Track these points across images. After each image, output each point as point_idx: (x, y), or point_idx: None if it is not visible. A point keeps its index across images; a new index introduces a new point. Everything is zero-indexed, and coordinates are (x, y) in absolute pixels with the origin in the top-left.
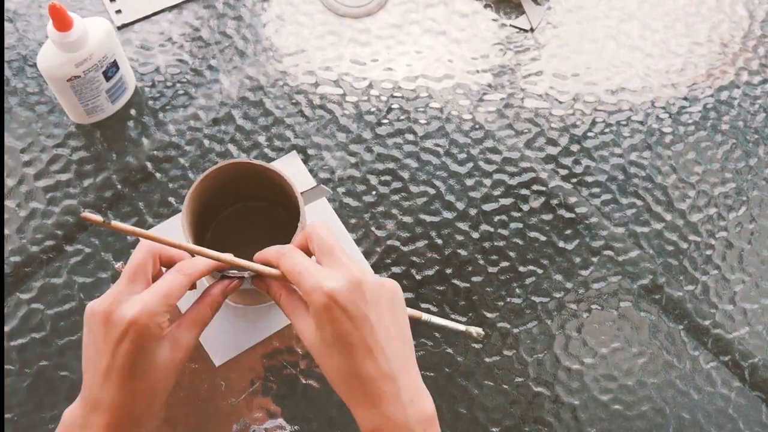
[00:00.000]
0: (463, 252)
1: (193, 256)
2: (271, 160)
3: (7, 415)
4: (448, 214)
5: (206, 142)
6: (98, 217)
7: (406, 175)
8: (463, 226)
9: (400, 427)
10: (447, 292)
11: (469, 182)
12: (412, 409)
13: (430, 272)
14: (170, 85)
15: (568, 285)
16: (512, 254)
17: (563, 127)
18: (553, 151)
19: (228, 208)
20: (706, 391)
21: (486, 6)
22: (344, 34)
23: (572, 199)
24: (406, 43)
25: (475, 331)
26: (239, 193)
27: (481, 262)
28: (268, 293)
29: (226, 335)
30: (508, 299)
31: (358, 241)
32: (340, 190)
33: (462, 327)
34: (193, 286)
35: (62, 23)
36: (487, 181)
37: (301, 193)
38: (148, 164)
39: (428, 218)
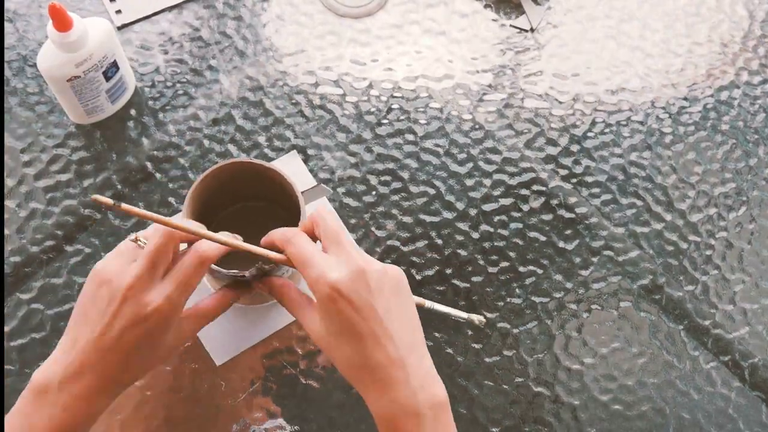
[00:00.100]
0: (463, 252)
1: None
2: (271, 160)
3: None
4: (448, 214)
5: (206, 142)
6: (108, 200)
7: (406, 175)
8: (463, 226)
9: (410, 412)
10: (447, 292)
11: (469, 182)
12: (423, 395)
13: (430, 272)
14: (170, 86)
15: (568, 285)
16: (512, 254)
17: (563, 127)
18: (553, 151)
19: (228, 207)
20: (706, 391)
21: (486, 6)
22: (344, 34)
23: (572, 199)
24: (406, 43)
25: (477, 318)
26: (239, 193)
27: (481, 262)
28: (270, 293)
29: (226, 335)
30: (508, 299)
31: (358, 241)
32: (340, 190)
33: (464, 314)
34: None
35: (62, 23)
36: (487, 182)
37: (302, 193)
38: (148, 164)
39: (428, 218)
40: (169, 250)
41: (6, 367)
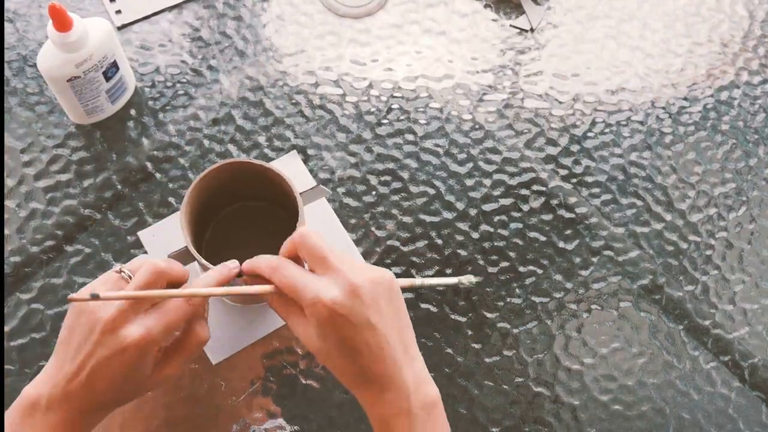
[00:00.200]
0: (463, 252)
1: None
2: (270, 160)
3: None
4: (448, 214)
5: (206, 142)
6: (85, 297)
7: (406, 175)
8: (463, 226)
9: (405, 413)
10: (447, 292)
11: (469, 182)
12: (416, 395)
13: (430, 272)
14: (170, 86)
15: (568, 285)
16: (512, 254)
17: (563, 127)
18: (553, 151)
19: (227, 207)
20: (706, 391)
21: (486, 6)
22: (344, 34)
23: (572, 200)
24: (406, 43)
25: (467, 280)
26: (238, 193)
27: (481, 262)
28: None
29: (223, 334)
30: (508, 299)
31: (358, 241)
32: (340, 190)
33: (454, 279)
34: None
35: (62, 23)
36: (487, 182)
37: (301, 194)
38: (148, 164)
39: (428, 218)
40: (155, 286)
41: (6, 367)
